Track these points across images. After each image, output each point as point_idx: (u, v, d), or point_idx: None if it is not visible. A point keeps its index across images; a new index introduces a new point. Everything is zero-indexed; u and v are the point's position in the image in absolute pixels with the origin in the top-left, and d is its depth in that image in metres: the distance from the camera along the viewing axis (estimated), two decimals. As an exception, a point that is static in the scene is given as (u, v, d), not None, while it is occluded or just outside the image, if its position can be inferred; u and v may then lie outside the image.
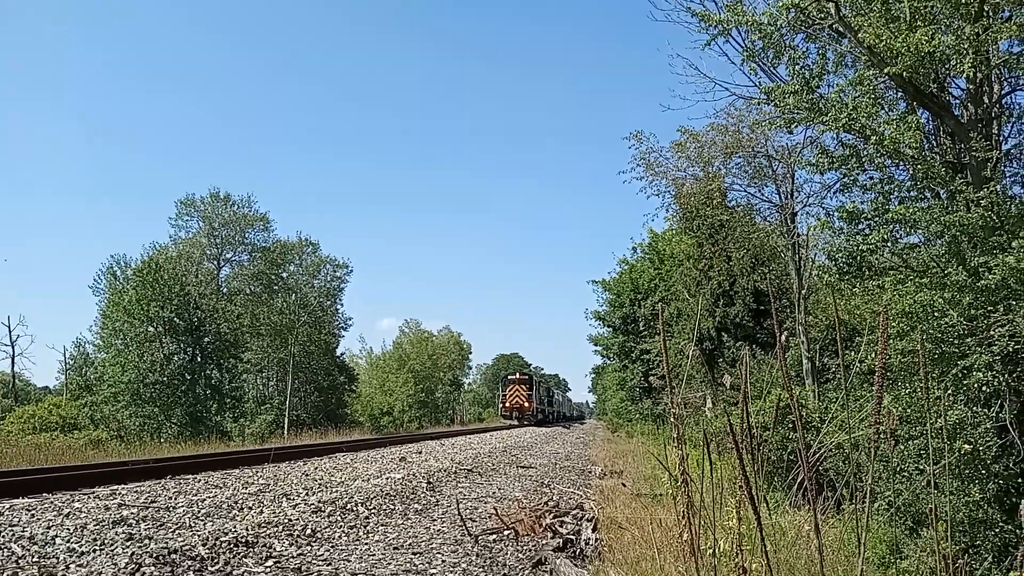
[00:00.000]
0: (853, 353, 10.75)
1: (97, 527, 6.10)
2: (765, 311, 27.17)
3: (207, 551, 5.68)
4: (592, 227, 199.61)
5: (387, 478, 11.09)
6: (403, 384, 66.53)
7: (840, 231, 12.72)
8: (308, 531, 6.99)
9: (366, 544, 6.88)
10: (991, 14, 9.99)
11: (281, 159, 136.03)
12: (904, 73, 10.23)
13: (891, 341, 9.46)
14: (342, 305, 62.99)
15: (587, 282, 53.65)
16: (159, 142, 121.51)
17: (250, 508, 7.73)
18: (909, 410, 9.28)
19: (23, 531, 5.75)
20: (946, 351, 9.44)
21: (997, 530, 8.80)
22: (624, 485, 11.02)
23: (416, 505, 9.28)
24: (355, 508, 8.39)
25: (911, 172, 11.19)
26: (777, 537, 6.23)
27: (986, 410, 9.43)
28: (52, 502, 7.32)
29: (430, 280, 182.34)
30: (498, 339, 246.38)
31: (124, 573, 4.84)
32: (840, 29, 11.66)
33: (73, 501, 7.43)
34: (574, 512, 8.79)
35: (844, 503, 8.65)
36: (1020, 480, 9.25)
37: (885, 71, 10.27)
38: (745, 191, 24.51)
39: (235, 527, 6.62)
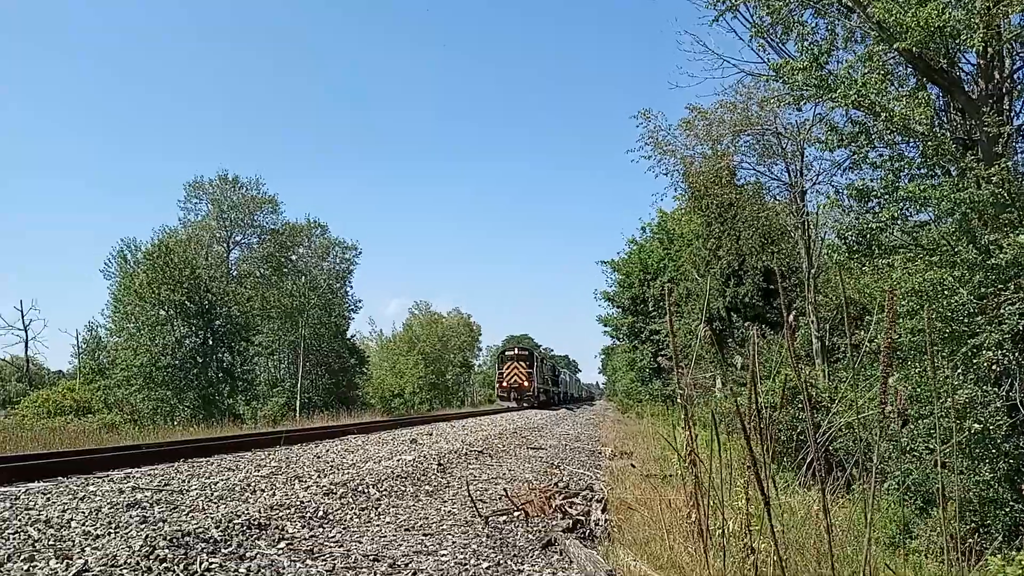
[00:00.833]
0: (863, 332, 10.70)
1: (112, 510, 6.17)
2: (775, 291, 27.12)
3: (220, 533, 5.74)
4: (602, 207, 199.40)
5: (398, 460, 11.16)
6: (413, 366, 66.81)
7: (850, 209, 12.65)
8: (320, 513, 7.06)
9: (377, 526, 6.95)
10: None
11: (287, 143, 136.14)
12: (914, 48, 10.12)
13: (901, 320, 9.42)
14: (351, 287, 63.16)
15: (596, 263, 53.57)
16: (165, 126, 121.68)
17: (263, 490, 7.80)
18: (919, 389, 9.24)
19: (39, 515, 5.82)
20: (956, 330, 9.40)
21: (1007, 509, 8.79)
22: (633, 466, 11.06)
23: (427, 487, 9.34)
24: (366, 490, 8.46)
25: (921, 149, 11.08)
26: (786, 517, 6.25)
27: (996, 389, 9.38)
28: (67, 486, 7.40)
29: (439, 262, 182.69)
30: (508, 321, 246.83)
31: (138, 555, 4.90)
32: (849, 4, 11.54)
33: (88, 484, 7.51)
34: (584, 493, 8.83)
35: (854, 483, 8.66)
36: (1031, 459, 9.24)
37: (894, 46, 10.16)
38: (754, 169, 24.38)
39: (248, 509, 6.69)
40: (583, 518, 7.45)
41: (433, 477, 10.09)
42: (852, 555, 5.42)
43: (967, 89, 11.54)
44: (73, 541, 5.14)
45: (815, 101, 13.14)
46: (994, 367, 9.11)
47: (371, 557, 5.63)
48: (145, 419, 35.05)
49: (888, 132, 11.17)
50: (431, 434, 17.12)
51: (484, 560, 5.71)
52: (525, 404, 44.13)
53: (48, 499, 6.57)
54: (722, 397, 18.77)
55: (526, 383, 44.66)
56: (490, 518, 7.33)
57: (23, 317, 52.61)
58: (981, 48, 10.13)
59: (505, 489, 8.80)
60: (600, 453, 16.32)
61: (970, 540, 7.75)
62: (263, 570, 5.12)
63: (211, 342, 42.57)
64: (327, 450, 12.33)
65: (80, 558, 4.74)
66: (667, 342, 35.81)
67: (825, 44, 11.75)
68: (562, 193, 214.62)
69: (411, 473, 10.00)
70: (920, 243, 10.72)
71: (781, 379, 12.94)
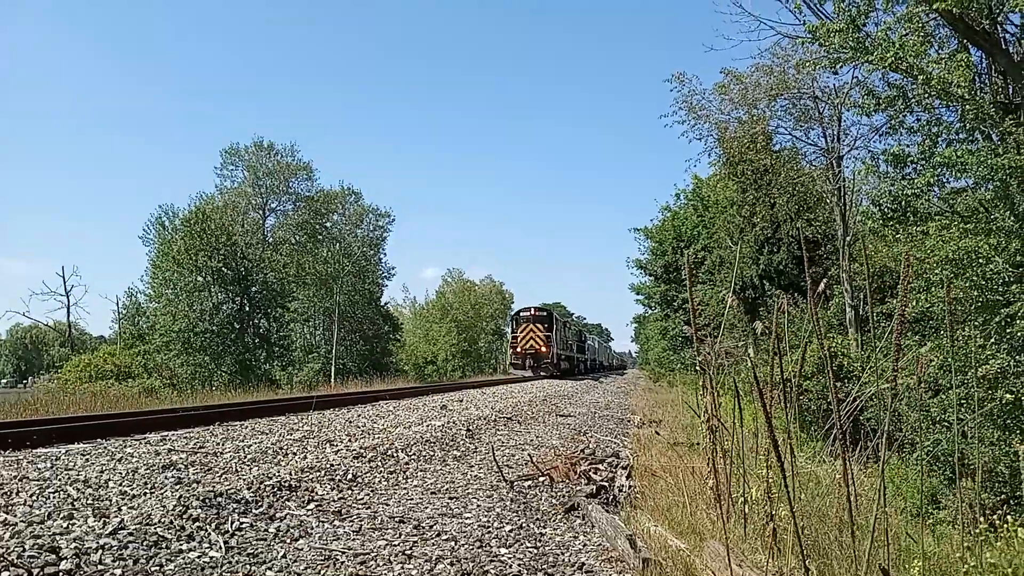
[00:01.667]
0: (895, 301, 10.56)
1: (148, 471, 6.37)
2: (810, 258, 26.75)
3: (251, 495, 5.91)
4: (635, 174, 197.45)
5: (428, 425, 11.33)
6: (446, 333, 67.25)
7: (886, 175, 12.43)
8: (349, 476, 7.22)
9: (404, 489, 7.09)
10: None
11: (321, 108, 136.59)
12: (954, 9, 9.86)
13: (933, 288, 9.29)
14: (385, 255, 63.50)
15: (629, 230, 52.99)
16: (204, 91, 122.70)
17: (294, 454, 7.98)
18: (950, 359, 9.14)
19: (78, 475, 6.03)
20: (990, 299, 9.25)
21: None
22: (658, 433, 11.10)
23: (455, 452, 9.48)
24: (395, 454, 8.61)
25: (960, 113, 10.84)
26: (812, 486, 6.25)
27: (1031, 359, 9.24)
28: (106, 447, 7.63)
29: (473, 230, 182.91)
30: (541, 290, 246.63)
31: (172, 515, 5.07)
32: (889, -36, 11.23)
33: (125, 447, 7.74)
34: (609, 460, 8.91)
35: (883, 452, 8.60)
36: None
37: (934, 7, 9.90)
38: (791, 134, 23.98)
39: (279, 472, 6.86)
40: (607, 484, 7.53)
41: (461, 443, 10.23)
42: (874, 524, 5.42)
43: (1010, 51, 11.21)
44: (110, 500, 5.33)
45: (852, 64, 12.88)
46: (1029, 337, 8.97)
47: (397, 519, 5.76)
48: (184, 384, 35.82)
49: (927, 96, 10.93)
50: (461, 400, 17.30)
51: (507, 523, 5.81)
52: (543, 373, 38.66)
53: (87, 460, 6.79)
54: (751, 366, 18.66)
55: (543, 348, 39.01)
56: (515, 483, 7.43)
57: (64, 283, 53.97)
58: (1025, 8, 9.83)
59: (531, 455, 8.91)
60: (629, 421, 16.39)
61: (999, 512, 7.69)
62: (292, 530, 5.27)
63: (247, 308, 43.19)
64: (359, 415, 12.54)
65: (116, 516, 4.92)
66: (699, 310, 35.47)
67: (863, 5, 11.47)
68: (597, 161, 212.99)
69: (440, 438, 10.15)
70: (956, 210, 10.54)
71: (813, 348, 12.83)
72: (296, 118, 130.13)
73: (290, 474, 6.82)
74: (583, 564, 4.83)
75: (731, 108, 23.02)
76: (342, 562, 4.60)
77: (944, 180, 10.99)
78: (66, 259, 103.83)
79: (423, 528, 5.52)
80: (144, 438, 8.54)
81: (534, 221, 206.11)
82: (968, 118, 10.62)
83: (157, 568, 4.22)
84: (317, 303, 55.41)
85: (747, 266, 28.66)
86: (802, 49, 18.15)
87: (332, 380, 43.29)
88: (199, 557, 4.48)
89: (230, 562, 4.46)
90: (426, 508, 6.26)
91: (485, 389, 23.41)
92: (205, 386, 34.93)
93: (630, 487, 7.41)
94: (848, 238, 21.38)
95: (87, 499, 5.30)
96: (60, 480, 5.78)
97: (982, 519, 5.12)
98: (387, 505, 6.32)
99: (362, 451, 8.42)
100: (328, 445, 8.76)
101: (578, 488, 7.36)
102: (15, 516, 4.73)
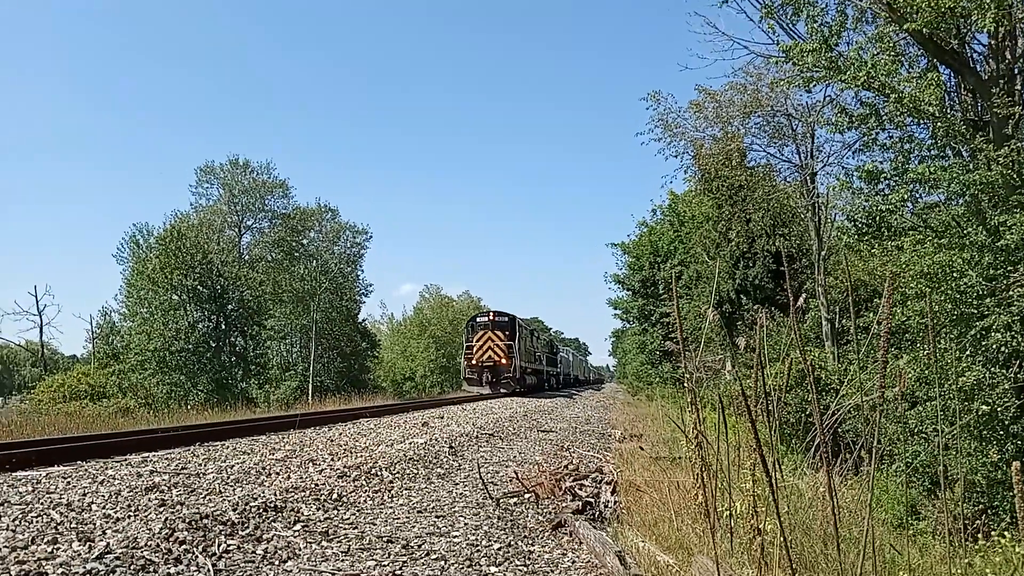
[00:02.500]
0: (871, 314, 10.73)
1: (131, 493, 6.30)
2: (785, 273, 27.09)
3: (237, 516, 5.87)
4: (612, 190, 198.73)
5: (410, 443, 11.29)
6: (424, 349, 67.09)
7: (860, 191, 12.65)
8: (334, 495, 7.18)
9: (391, 508, 7.07)
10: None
11: (296, 129, 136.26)
12: (924, 29, 10.11)
13: (909, 302, 9.46)
14: (362, 271, 63.52)
15: (606, 244, 53.24)
16: (176, 112, 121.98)
17: (277, 474, 7.93)
18: (927, 371, 9.29)
19: (60, 498, 5.96)
20: (965, 312, 9.43)
21: (1015, 491, 8.83)
22: (642, 448, 11.16)
23: (439, 469, 9.46)
24: (379, 473, 8.58)
25: (931, 130, 11.08)
26: (794, 499, 6.32)
27: (1005, 371, 9.42)
28: (87, 470, 7.54)
29: (449, 246, 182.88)
30: (518, 304, 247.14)
31: (159, 538, 5.02)
32: (860, -15, 11.49)
33: (107, 468, 7.65)
34: (593, 475, 8.93)
35: (863, 465, 8.73)
36: (1039, 440, 9.26)
37: (905, 27, 10.15)
38: (765, 151, 24.35)
39: (263, 492, 6.82)
40: (593, 500, 7.55)
41: (445, 460, 10.21)
42: (858, 536, 5.49)
43: (978, 70, 11.50)
44: (94, 524, 5.27)
45: (825, 82, 13.13)
46: (1003, 349, 9.14)
47: (385, 538, 5.75)
48: (159, 403, 35.40)
49: (898, 113, 11.16)
50: (442, 417, 17.26)
51: (496, 541, 5.81)
52: (503, 390, 32.59)
53: (68, 483, 6.71)
54: (731, 379, 18.82)
55: (503, 360, 32.75)
56: (501, 500, 7.44)
57: (38, 303, 53.16)
58: (992, 28, 10.09)
59: (516, 471, 8.91)
60: (610, 435, 16.43)
61: (977, 521, 7.82)
62: (280, 551, 5.24)
63: (224, 326, 42.87)
64: (340, 433, 12.47)
65: (102, 540, 4.87)
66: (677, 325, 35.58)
67: (835, 25, 11.72)
68: (573, 177, 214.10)
69: (423, 456, 10.12)
70: (929, 225, 10.75)
71: (788, 362, 12.97)
72: (271, 140, 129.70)
73: (275, 494, 6.77)
74: (573, 581, 4.85)
75: (706, 125, 23.36)
76: (332, 583, 4.58)
77: (917, 196, 11.22)
78: (35, 281, 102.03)
79: (411, 547, 5.50)
80: (125, 460, 8.45)
81: (511, 237, 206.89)
82: (939, 135, 10.87)
83: (146, 592, 4.18)
84: (294, 320, 55.12)
85: (723, 281, 28.93)
86: (776, 68, 18.50)
87: (310, 398, 42.98)
88: (188, 580, 4.45)
89: (219, 585, 4.43)
90: (413, 527, 6.24)
91: (465, 405, 23.36)
92: (181, 405, 34.52)
93: (616, 503, 7.44)
94: (823, 252, 21.67)
95: (71, 523, 5.24)
96: (42, 504, 5.71)
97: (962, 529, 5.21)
98: (374, 525, 6.29)
99: (346, 470, 8.38)
100: (311, 464, 8.71)
101: (564, 504, 7.37)
102: (-2, 541, 4.67)
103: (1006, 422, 8.90)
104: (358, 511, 6.80)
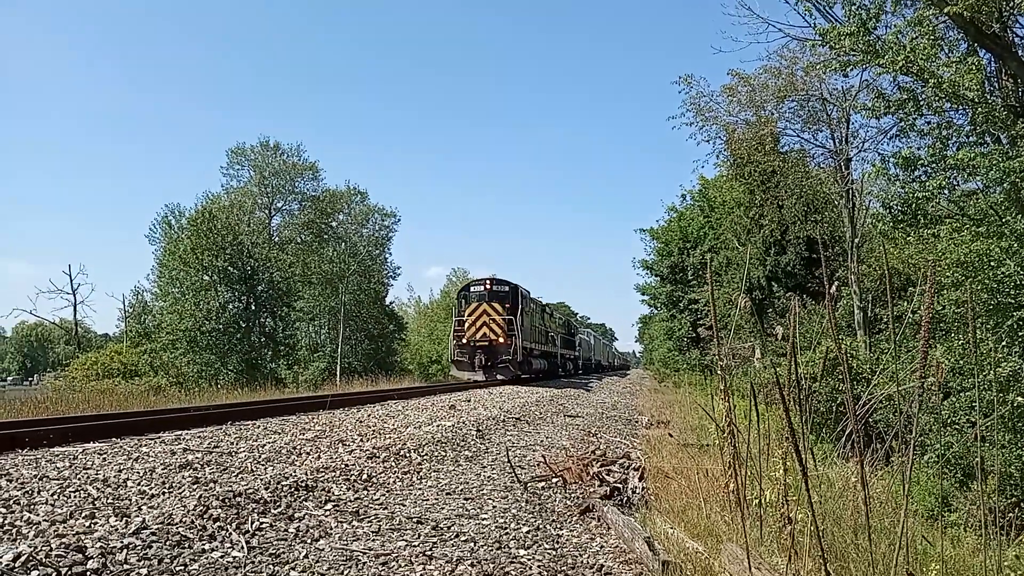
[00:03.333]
0: (905, 304, 10.58)
1: (165, 471, 6.41)
2: (817, 260, 26.75)
3: (270, 495, 5.95)
4: (642, 175, 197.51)
5: (438, 425, 11.37)
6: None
7: (896, 178, 12.44)
8: (364, 476, 7.26)
9: (419, 489, 7.13)
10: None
11: (328, 110, 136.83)
12: (965, 12, 9.88)
13: (944, 291, 9.30)
14: (390, 254, 63.65)
15: (634, 230, 52.85)
16: (210, 92, 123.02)
17: (308, 453, 8.03)
18: (961, 362, 9.15)
19: (97, 474, 6.07)
20: (1002, 302, 9.26)
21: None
22: (671, 435, 11.12)
23: (466, 452, 9.52)
24: (408, 454, 8.65)
25: (971, 116, 10.85)
26: (824, 488, 6.27)
27: (1042, 363, 9.25)
28: (121, 447, 7.68)
29: (477, 231, 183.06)
30: (545, 289, 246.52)
31: (193, 515, 5.11)
32: (900, -33, 11.25)
33: (141, 446, 7.79)
34: (621, 461, 8.93)
35: (893, 455, 8.62)
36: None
37: (945, 11, 9.93)
38: (798, 136, 24.03)
39: (295, 472, 6.90)
40: (620, 486, 7.55)
41: (472, 443, 10.27)
42: (889, 527, 5.45)
43: (1020, 55, 11.22)
44: (130, 500, 5.38)
45: (862, 67, 12.90)
46: (1041, 340, 8.98)
47: (415, 519, 5.80)
48: (190, 382, 35.89)
49: (937, 99, 10.94)
50: (469, 400, 17.34)
51: (524, 524, 5.85)
52: (500, 376, 26.55)
53: (104, 459, 6.84)
54: (761, 367, 18.68)
55: (501, 339, 26.42)
56: (529, 484, 7.47)
57: (71, 281, 54.11)
58: (1036, 12, 9.84)
59: (543, 456, 8.93)
60: (637, 422, 16.41)
61: (1010, 514, 7.70)
62: (312, 530, 5.32)
63: (253, 307, 43.24)
64: (368, 415, 12.58)
65: (138, 516, 4.97)
66: (706, 311, 35.51)
67: (874, 8, 11.49)
68: (603, 162, 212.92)
69: (451, 439, 10.18)
70: (967, 213, 10.55)
71: (821, 350, 12.83)
72: (302, 121, 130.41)
73: (306, 474, 6.86)
74: (602, 566, 4.86)
75: (739, 109, 23.08)
76: (364, 562, 4.63)
77: (955, 183, 11.00)
78: (69, 259, 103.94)
79: (441, 529, 5.55)
80: (158, 437, 8.60)
81: (540, 224, 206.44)
82: (979, 121, 10.64)
83: (182, 568, 4.26)
84: (323, 302, 55.49)
85: (754, 267, 28.65)
86: (811, 51, 18.19)
87: (338, 379, 43.36)
88: (222, 557, 4.52)
89: (253, 562, 4.50)
90: (442, 509, 6.29)
91: (491, 389, 23.42)
92: (211, 384, 35.02)
93: (644, 489, 7.44)
94: (856, 240, 21.37)
95: (107, 498, 5.35)
96: (79, 479, 5.83)
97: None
98: (403, 506, 6.35)
99: (375, 451, 8.46)
100: (341, 445, 8.80)
101: (592, 490, 7.39)
102: (38, 515, 4.78)
103: (1042, 414, 8.76)
104: (388, 492, 6.87)
